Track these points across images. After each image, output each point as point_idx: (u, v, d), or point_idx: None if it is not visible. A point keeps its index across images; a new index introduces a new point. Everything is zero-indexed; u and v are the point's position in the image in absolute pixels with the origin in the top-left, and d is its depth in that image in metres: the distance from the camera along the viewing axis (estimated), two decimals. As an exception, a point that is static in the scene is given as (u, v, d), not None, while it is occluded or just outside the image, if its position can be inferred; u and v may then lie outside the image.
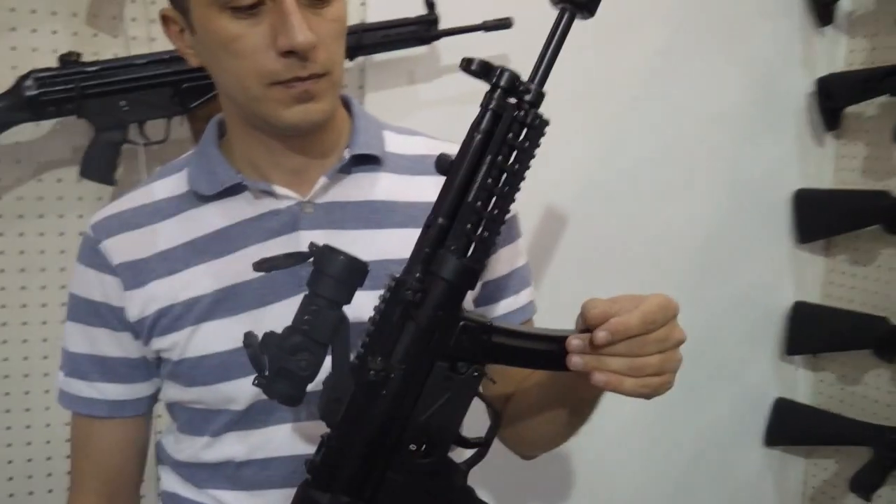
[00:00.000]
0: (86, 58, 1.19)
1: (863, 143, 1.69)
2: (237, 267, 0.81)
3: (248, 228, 0.82)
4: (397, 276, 0.68)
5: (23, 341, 1.31)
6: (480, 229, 0.67)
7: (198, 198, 0.84)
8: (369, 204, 0.84)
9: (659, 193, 1.60)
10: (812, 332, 1.72)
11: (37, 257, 1.30)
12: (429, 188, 0.83)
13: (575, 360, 0.69)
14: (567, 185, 1.53)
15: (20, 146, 1.26)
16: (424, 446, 0.69)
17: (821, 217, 1.69)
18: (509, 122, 0.67)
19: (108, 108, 1.16)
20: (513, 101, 0.67)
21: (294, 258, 0.69)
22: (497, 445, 0.96)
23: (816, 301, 1.75)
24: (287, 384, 0.67)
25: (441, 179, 0.69)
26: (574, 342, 0.69)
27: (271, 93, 0.75)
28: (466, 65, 0.66)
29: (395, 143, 0.89)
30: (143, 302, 0.82)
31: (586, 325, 0.69)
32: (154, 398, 0.91)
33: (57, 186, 1.28)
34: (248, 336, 0.69)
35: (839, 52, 1.67)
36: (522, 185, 0.69)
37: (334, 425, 0.69)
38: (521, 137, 0.67)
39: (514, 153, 0.68)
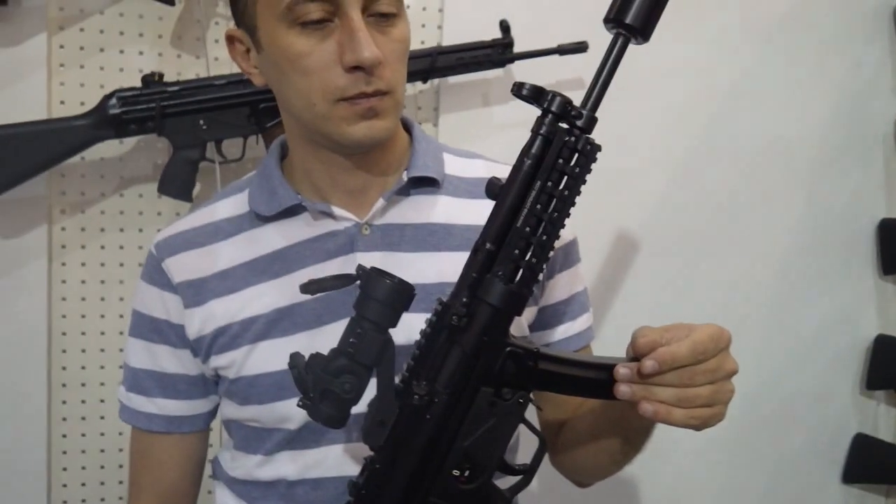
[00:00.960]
0: (169, 78, 1.23)
1: (952, 172, 1.62)
2: (295, 287, 0.80)
3: (306, 249, 0.83)
4: (444, 300, 0.68)
5: (100, 350, 1.36)
6: (528, 255, 0.66)
7: (258, 218, 0.85)
8: (427, 227, 0.84)
9: (737, 219, 1.56)
10: (895, 366, 1.65)
11: (116, 270, 1.34)
12: (487, 212, 0.83)
13: (623, 390, 0.67)
14: (642, 207, 1.50)
15: (104, 162, 1.30)
16: (468, 472, 0.69)
17: (908, 247, 1.62)
18: (560, 148, 0.66)
19: (187, 127, 1.20)
20: (564, 126, 0.66)
21: (341, 280, 0.69)
22: (558, 476, 0.95)
23: (901, 335, 1.67)
24: (331, 406, 0.67)
25: None
26: (622, 371, 0.67)
27: (337, 110, 0.75)
28: (518, 89, 0.66)
29: (454, 166, 0.89)
30: (202, 320, 0.84)
31: (635, 354, 0.67)
32: (212, 414, 0.92)
33: (138, 202, 1.33)
34: (294, 357, 0.69)
35: (930, 76, 1.60)
36: (574, 210, 0.68)
37: (378, 449, 0.69)
38: (572, 163, 0.66)
39: (565, 179, 0.67)
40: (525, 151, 0.67)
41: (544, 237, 0.66)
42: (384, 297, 0.66)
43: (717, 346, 0.67)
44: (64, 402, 1.36)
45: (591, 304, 0.96)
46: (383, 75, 0.75)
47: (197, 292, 0.84)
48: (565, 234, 0.90)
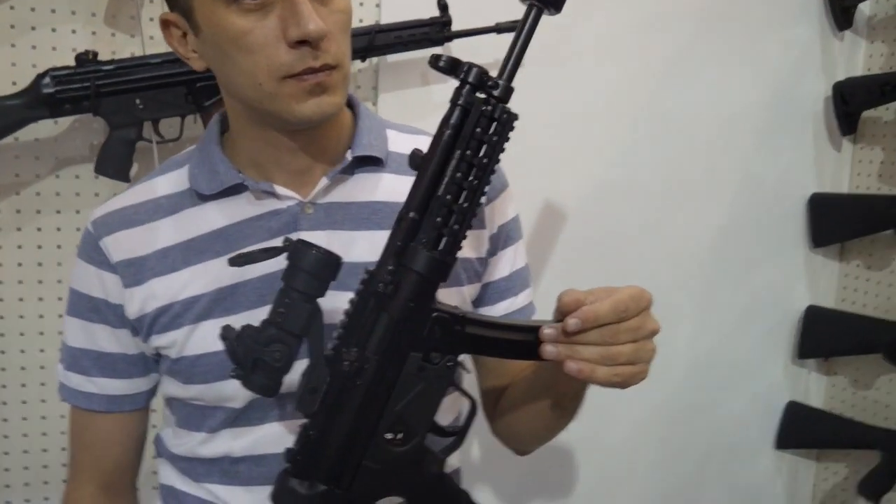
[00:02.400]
0: (103, 57, 1.21)
1: (879, 148, 1.68)
2: (238, 267, 0.82)
3: (248, 228, 0.83)
4: (371, 269, 0.70)
5: (39, 333, 1.34)
6: (451, 222, 0.68)
7: (198, 196, 0.84)
8: (370, 205, 0.85)
9: (672, 197, 1.59)
10: (825, 336, 1.71)
11: (54, 252, 1.32)
12: None
13: (548, 350, 0.70)
14: (579, 187, 1.53)
15: (39, 143, 1.28)
16: (401, 435, 0.71)
17: (836, 221, 1.67)
18: (477, 117, 0.68)
19: (123, 107, 1.18)
20: (481, 96, 0.68)
21: (269, 252, 0.71)
22: (499, 447, 0.98)
23: (830, 305, 1.74)
24: (263, 375, 0.69)
25: None
26: (546, 331, 0.70)
27: (284, 87, 0.74)
28: (434, 61, 0.68)
29: (398, 143, 0.89)
30: (142, 300, 0.83)
31: (560, 313, 0.70)
32: (152, 392, 0.92)
33: (74, 182, 1.31)
34: (226, 329, 0.71)
35: (858, 57, 1.65)
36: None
37: (311, 415, 0.71)
38: (490, 132, 0.69)
39: (483, 147, 0.69)
40: (444, 121, 0.69)
41: (465, 204, 0.69)
42: (311, 267, 0.68)
43: (639, 306, 0.70)
44: (3, 387, 1.34)
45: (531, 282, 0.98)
46: (329, 48, 0.74)
47: (137, 271, 0.83)
48: (508, 212, 0.92)
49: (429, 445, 0.74)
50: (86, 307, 0.86)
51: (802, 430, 1.77)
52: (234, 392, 0.81)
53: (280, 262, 0.79)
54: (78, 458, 0.93)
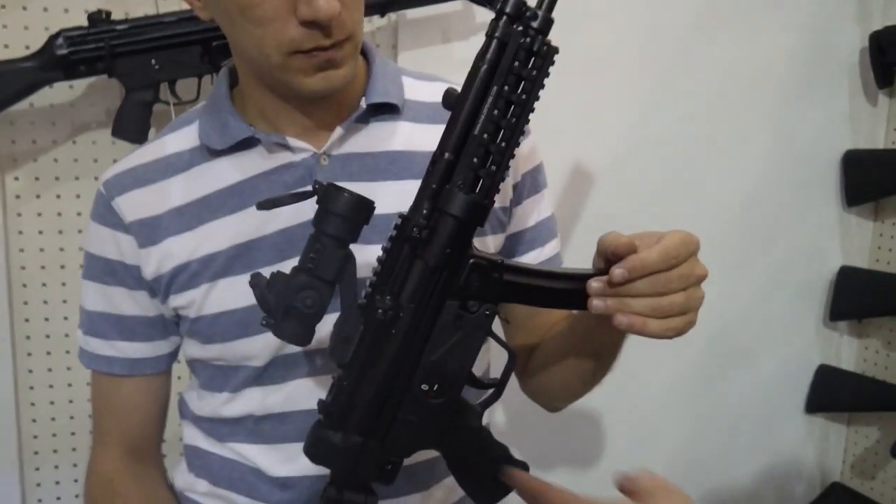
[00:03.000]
0: (116, 16, 1.18)
1: (918, 101, 1.63)
2: (253, 222, 0.80)
3: (262, 183, 0.80)
4: (405, 213, 0.67)
5: (62, 301, 1.34)
6: (488, 163, 0.65)
7: (210, 152, 0.82)
8: (387, 154, 0.82)
9: (701, 153, 1.55)
10: (858, 297, 1.68)
11: (74, 219, 1.31)
12: None
13: (597, 304, 0.67)
14: (603, 145, 1.49)
15: (55, 108, 1.26)
16: (437, 386, 0.69)
17: (871, 179, 1.63)
18: (515, 50, 0.64)
19: (139, 68, 1.16)
20: (519, 28, 0.64)
21: (298, 196, 0.68)
22: (530, 406, 0.96)
23: (864, 266, 1.70)
24: (295, 323, 0.66)
25: None
26: (594, 285, 0.67)
27: (292, 61, 0.72)
28: None
29: (415, 90, 0.86)
30: (158, 260, 0.82)
31: (604, 255, 0.67)
32: (174, 355, 0.91)
33: (92, 149, 1.29)
34: (255, 277, 0.68)
35: (895, 5, 1.59)
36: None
37: (345, 365, 0.69)
38: (529, 66, 0.64)
39: (522, 83, 0.64)
40: (480, 56, 0.65)
41: (503, 144, 0.65)
42: (343, 210, 0.65)
43: (689, 250, 0.67)
44: (29, 354, 1.34)
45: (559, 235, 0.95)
46: (342, 23, 0.71)
47: (151, 231, 0.82)
48: (532, 159, 0.90)
49: (465, 398, 0.72)
50: (102, 270, 0.85)
51: (833, 393, 1.75)
52: (255, 350, 0.80)
53: (299, 216, 0.78)
54: (102, 424, 0.92)
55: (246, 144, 0.81)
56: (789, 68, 1.57)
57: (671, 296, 0.66)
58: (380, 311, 0.66)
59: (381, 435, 0.70)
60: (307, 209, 0.76)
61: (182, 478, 0.92)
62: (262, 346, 0.80)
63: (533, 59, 0.64)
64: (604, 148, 1.49)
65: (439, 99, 0.84)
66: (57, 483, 1.39)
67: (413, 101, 0.85)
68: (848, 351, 1.77)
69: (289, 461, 0.83)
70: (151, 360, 0.89)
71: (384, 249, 0.68)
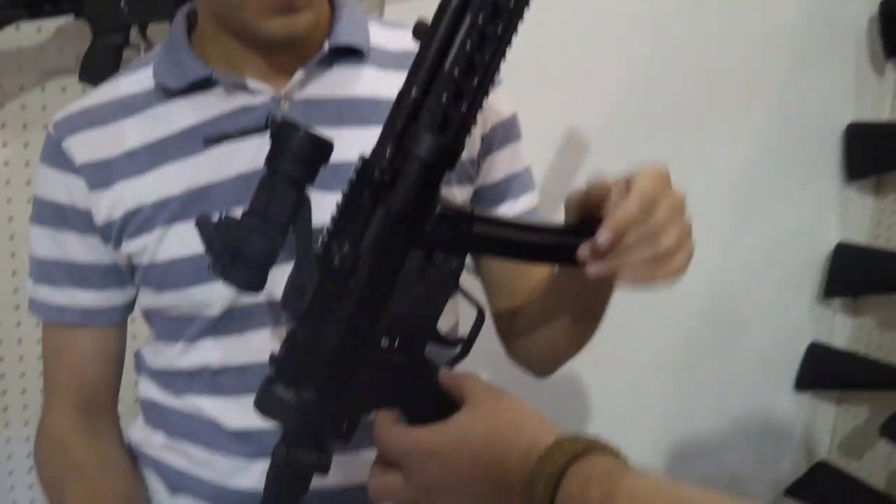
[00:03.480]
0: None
1: (926, 72, 1.57)
2: (209, 166, 0.77)
3: (218, 126, 0.77)
4: (365, 156, 0.62)
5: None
6: (460, 102, 0.58)
7: (165, 93, 0.79)
8: (351, 101, 0.79)
9: (700, 120, 1.50)
10: (854, 274, 1.65)
11: (42, 169, 1.25)
12: None
13: (594, 270, 0.62)
14: (599, 114, 1.44)
15: (22, 52, 1.20)
16: (398, 341, 0.63)
17: (873, 152, 1.58)
18: None
19: (107, 8, 1.11)
20: None
21: (249, 131, 0.64)
22: (516, 377, 0.92)
23: (862, 242, 1.66)
24: (244, 268, 0.62)
25: None
26: (583, 252, 0.63)
27: (250, 0, 0.70)
28: None
29: (381, 37, 0.83)
30: (110, 204, 0.79)
31: (586, 206, 0.63)
32: (129, 308, 0.87)
33: (61, 96, 1.23)
34: (202, 217, 0.63)
35: (908, -29, 1.53)
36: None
37: (298, 317, 0.64)
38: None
39: (499, 14, 0.57)
40: None
41: (475, 82, 0.58)
42: (298, 148, 0.60)
43: (663, 182, 0.63)
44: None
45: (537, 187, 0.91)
46: None
47: (103, 174, 0.78)
48: (504, 110, 0.86)
49: (430, 356, 0.67)
50: (52, 214, 0.81)
51: (824, 370, 1.73)
52: (210, 298, 0.77)
53: (258, 161, 0.70)
54: (53, 379, 0.88)
55: (203, 85, 0.78)
56: (794, 35, 1.51)
57: (664, 237, 0.62)
58: (337, 259, 0.60)
59: (337, 391, 0.65)
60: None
61: (138, 432, 0.90)
62: (218, 293, 0.77)
63: None
64: (598, 114, 1.43)
65: (406, 48, 0.78)
66: (8, 441, 1.36)
67: (379, 49, 0.82)
68: (841, 329, 1.74)
69: (248, 413, 0.75)
70: (105, 311, 0.85)
71: (343, 194, 0.62)
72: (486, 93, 0.60)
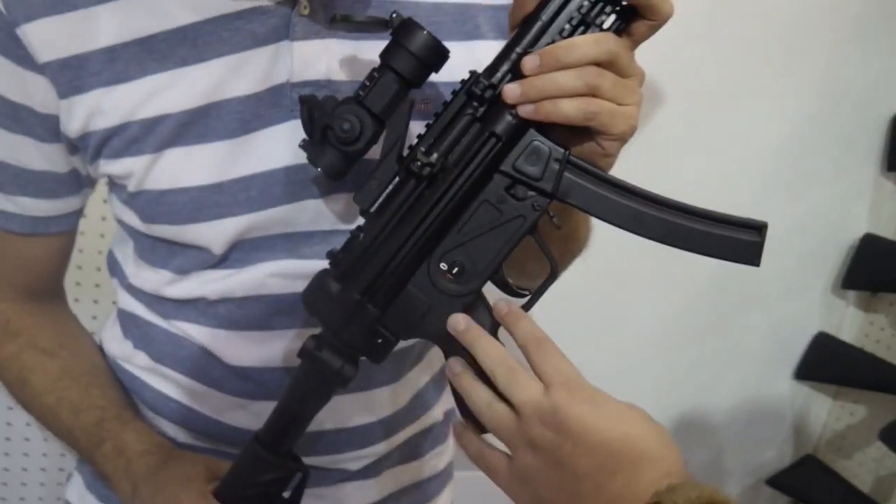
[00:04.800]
0: None
1: None
2: (210, 80, 0.64)
3: (223, 30, 0.64)
4: (476, 71, 0.59)
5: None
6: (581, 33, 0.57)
7: None
8: (383, 4, 0.67)
9: (739, 91, 1.42)
10: (877, 267, 1.58)
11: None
12: None
13: (524, 109, 0.57)
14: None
15: None
16: (457, 269, 0.61)
17: (919, 144, 1.50)
18: None
19: None
20: None
21: (377, 24, 0.59)
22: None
23: (890, 236, 1.58)
24: (330, 150, 0.60)
25: None
26: (512, 88, 0.57)
27: None
28: None
29: None
30: (85, 115, 0.65)
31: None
32: (82, 210, 0.77)
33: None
34: (305, 95, 0.61)
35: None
36: None
37: (366, 213, 0.61)
38: None
39: None
40: None
41: (598, 19, 0.56)
42: (417, 48, 0.58)
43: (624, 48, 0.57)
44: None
45: None
46: None
47: (75, 76, 0.64)
48: None
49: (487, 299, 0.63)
50: (2, 112, 0.67)
51: (826, 362, 1.68)
52: (210, 238, 0.67)
53: (272, 78, 0.65)
54: None
55: None
56: (853, 11, 1.42)
57: (601, 78, 0.56)
58: (418, 163, 0.58)
59: (382, 302, 0.61)
60: (280, 71, 0.65)
61: (116, 344, 0.80)
62: (219, 231, 0.67)
63: None
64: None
65: None
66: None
67: None
68: (852, 323, 1.68)
69: (249, 349, 0.71)
70: (57, 219, 0.74)
71: (444, 103, 0.59)
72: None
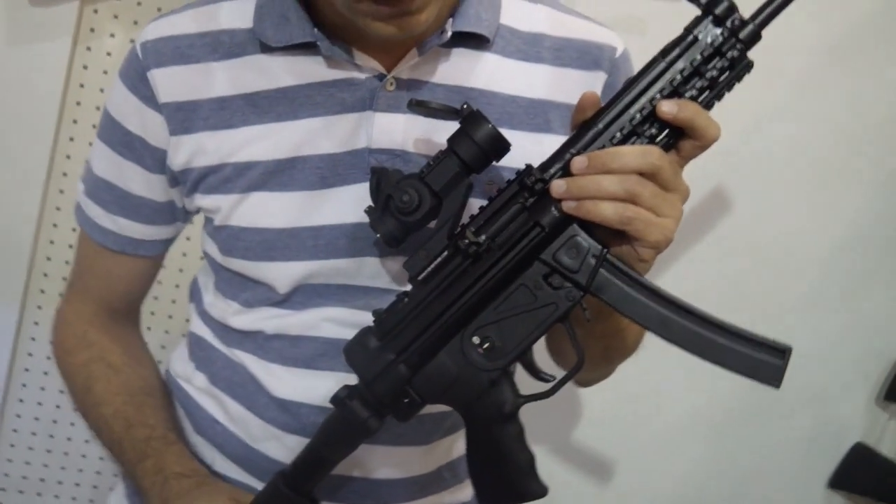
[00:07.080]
0: None
1: None
2: (299, 137, 0.72)
3: (318, 94, 0.72)
4: (531, 165, 0.64)
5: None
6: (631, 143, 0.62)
7: (262, 45, 0.72)
8: (464, 91, 0.73)
9: (804, 182, 1.40)
10: (923, 382, 1.54)
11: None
12: (537, 81, 0.73)
13: (567, 205, 0.62)
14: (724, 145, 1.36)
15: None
16: (488, 344, 0.65)
17: None
18: (706, 50, 0.61)
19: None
20: (722, 33, 0.61)
21: (448, 112, 0.65)
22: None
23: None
24: (391, 219, 0.65)
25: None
26: (558, 185, 0.62)
27: (359, 6, 0.63)
28: None
29: (512, 13, 0.75)
30: (190, 152, 0.74)
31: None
32: (173, 240, 0.86)
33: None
34: (376, 169, 0.66)
35: None
36: None
37: (413, 279, 0.66)
38: (714, 69, 0.61)
39: (693, 79, 0.61)
40: (666, 50, 0.62)
41: (651, 131, 0.62)
42: (480, 138, 0.63)
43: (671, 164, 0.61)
44: (65, 175, 1.30)
45: None
46: None
47: (186, 118, 0.73)
48: None
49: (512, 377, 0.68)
50: (119, 139, 0.77)
51: (863, 475, 1.63)
52: (276, 277, 0.74)
53: (351, 142, 0.72)
54: (82, 280, 0.87)
55: (304, 48, 0.71)
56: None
57: (641, 187, 0.60)
58: (466, 241, 0.63)
59: (414, 364, 0.66)
60: (361, 137, 0.70)
61: (181, 364, 0.87)
62: (286, 273, 0.74)
63: (721, 63, 0.61)
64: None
65: (535, 29, 0.76)
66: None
67: (507, 27, 0.75)
68: (893, 437, 1.64)
69: (293, 384, 0.77)
70: (149, 244, 0.83)
71: (498, 189, 0.65)
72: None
